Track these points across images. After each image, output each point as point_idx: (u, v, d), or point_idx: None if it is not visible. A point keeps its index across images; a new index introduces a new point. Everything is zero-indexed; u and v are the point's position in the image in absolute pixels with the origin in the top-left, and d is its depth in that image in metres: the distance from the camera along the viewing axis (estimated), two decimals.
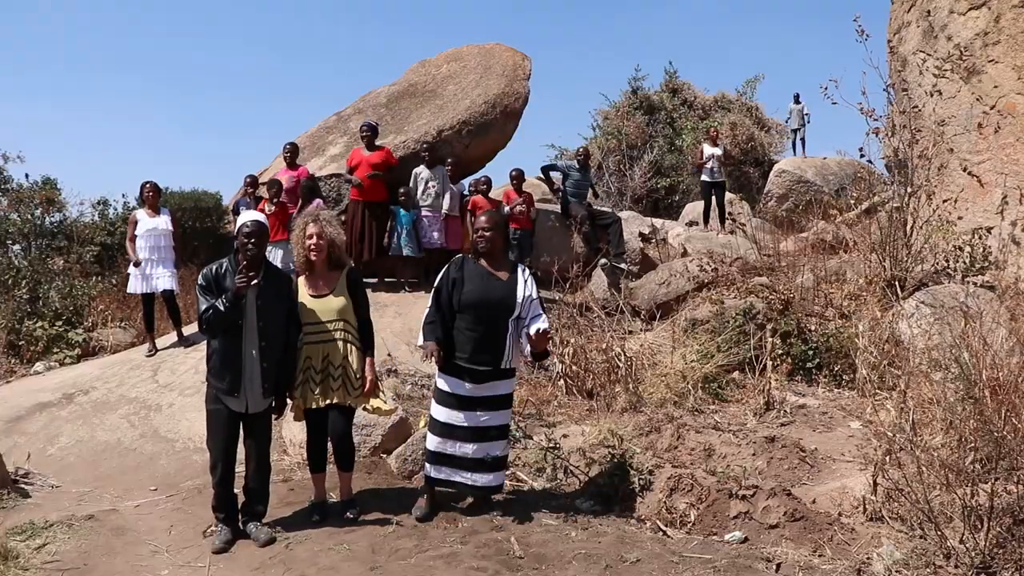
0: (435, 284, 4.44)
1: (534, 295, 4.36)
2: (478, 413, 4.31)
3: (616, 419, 5.82)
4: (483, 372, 4.28)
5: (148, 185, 7.87)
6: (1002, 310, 6.26)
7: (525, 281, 4.35)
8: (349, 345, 4.39)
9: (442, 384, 4.37)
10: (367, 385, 4.39)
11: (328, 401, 4.35)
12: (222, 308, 4.05)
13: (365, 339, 4.48)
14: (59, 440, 6.25)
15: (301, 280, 4.48)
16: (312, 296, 4.40)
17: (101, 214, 13.66)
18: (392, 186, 8.92)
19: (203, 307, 4.12)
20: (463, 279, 4.30)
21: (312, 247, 4.38)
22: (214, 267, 4.22)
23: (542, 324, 4.23)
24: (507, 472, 5.08)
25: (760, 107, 19.36)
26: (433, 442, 4.39)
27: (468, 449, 4.32)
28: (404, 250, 8.77)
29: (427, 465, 4.46)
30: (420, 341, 4.41)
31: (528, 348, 4.31)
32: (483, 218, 4.40)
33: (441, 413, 4.35)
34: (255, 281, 4.06)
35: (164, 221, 7.76)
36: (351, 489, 4.59)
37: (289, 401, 4.44)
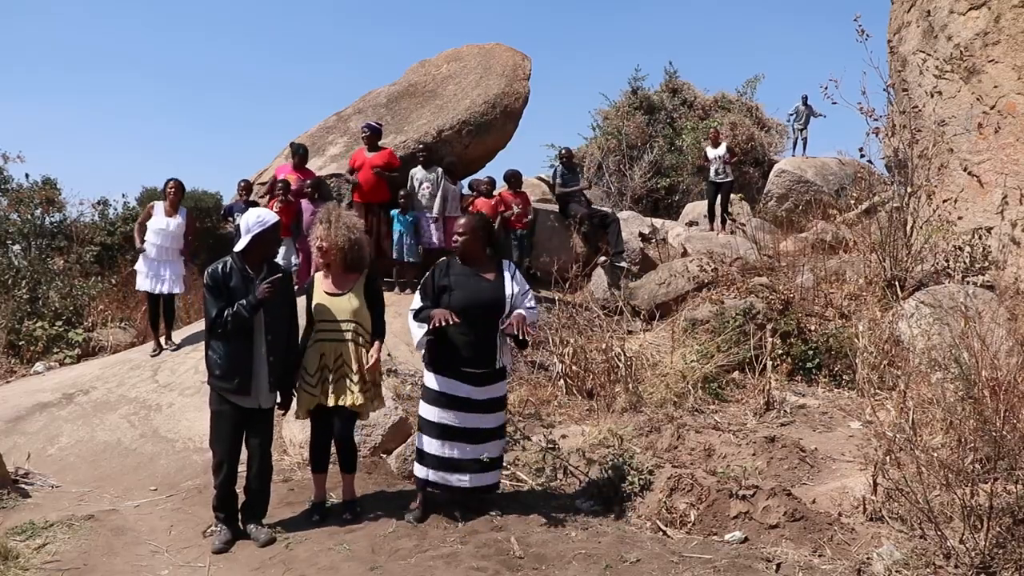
0: (420, 284, 4.42)
1: (524, 290, 4.36)
2: (477, 416, 4.27)
3: (616, 419, 5.83)
4: (480, 375, 4.25)
5: (172, 182, 7.74)
6: (1001, 310, 6.27)
7: (512, 278, 4.35)
8: (361, 348, 4.37)
9: (434, 384, 4.29)
10: (372, 363, 4.33)
11: (342, 403, 4.33)
12: (245, 314, 4.05)
13: (376, 333, 4.43)
14: (59, 440, 6.25)
15: (319, 276, 4.47)
16: (327, 294, 4.38)
17: (101, 214, 13.67)
18: (395, 188, 8.92)
19: (214, 312, 4.09)
20: (451, 283, 4.27)
21: (316, 249, 4.38)
22: (219, 267, 4.17)
23: (527, 313, 4.24)
24: (504, 471, 5.08)
25: (760, 107, 19.32)
26: (426, 443, 4.31)
27: (463, 451, 4.25)
28: (405, 255, 8.73)
29: (418, 466, 4.36)
30: (416, 334, 4.30)
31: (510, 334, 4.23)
32: (460, 221, 4.42)
33: (433, 413, 4.28)
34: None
35: (176, 223, 7.67)
36: (354, 490, 4.58)
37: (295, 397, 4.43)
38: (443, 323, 4.08)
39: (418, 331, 4.28)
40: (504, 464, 5.18)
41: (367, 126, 8.97)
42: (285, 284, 4.32)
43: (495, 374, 4.31)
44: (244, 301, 4.06)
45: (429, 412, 4.31)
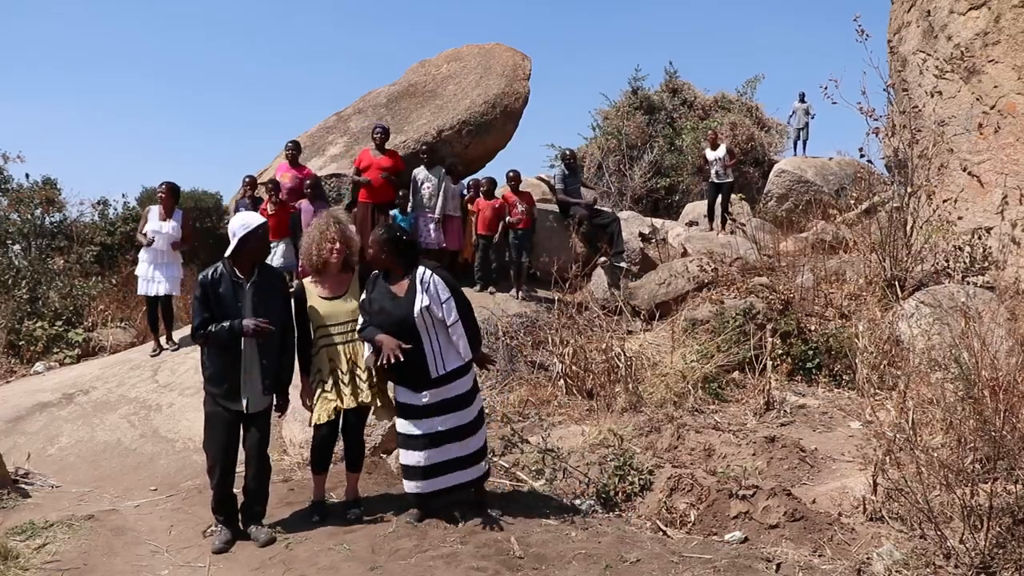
0: (359, 302, 4.32)
1: (442, 299, 4.14)
2: (436, 419, 4.17)
3: (616, 419, 5.83)
4: (424, 383, 4.17)
5: (163, 186, 7.71)
6: (1002, 310, 6.27)
7: (425, 290, 4.13)
8: (366, 346, 4.38)
9: (398, 396, 4.29)
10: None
11: (359, 402, 4.32)
12: (224, 335, 4.06)
13: None
14: (59, 440, 6.25)
15: (308, 282, 4.45)
16: (326, 298, 4.36)
17: (101, 214, 13.69)
18: (397, 189, 8.92)
19: (197, 323, 4.11)
20: (370, 304, 4.21)
21: (336, 251, 4.36)
22: (209, 272, 4.17)
23: (451, 331, 4.13)
24: (504, 472, 5.08)
25: (760, 107, 19.32)
26: (402, 456, 4.30)
27: (434, 455, 4.19)
28: None
29: (405, 482, 4.31)
30: (367, 351, 4.25)
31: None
32: (370, 238, 4.32)
33: (402, 425, 4.27)
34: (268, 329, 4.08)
35: (170, 227, 7.64)
36: (357, 490, 4.58)
37: (306, 400, 4.41)
38: (390, 360, 4.01)
39: (366, 349, 4.27)
40: (504, 465, 5.19)
41: (381, 128, 8.92)
42: (276, 285, 4.31)
43: (441, 379, 4.18)
44: (227, 324, 4.04)
45: (399, 424, 4.31)
